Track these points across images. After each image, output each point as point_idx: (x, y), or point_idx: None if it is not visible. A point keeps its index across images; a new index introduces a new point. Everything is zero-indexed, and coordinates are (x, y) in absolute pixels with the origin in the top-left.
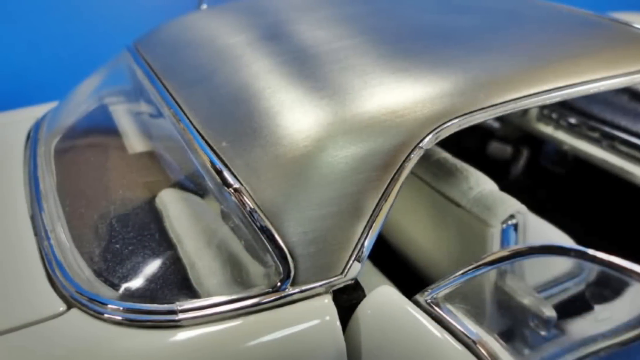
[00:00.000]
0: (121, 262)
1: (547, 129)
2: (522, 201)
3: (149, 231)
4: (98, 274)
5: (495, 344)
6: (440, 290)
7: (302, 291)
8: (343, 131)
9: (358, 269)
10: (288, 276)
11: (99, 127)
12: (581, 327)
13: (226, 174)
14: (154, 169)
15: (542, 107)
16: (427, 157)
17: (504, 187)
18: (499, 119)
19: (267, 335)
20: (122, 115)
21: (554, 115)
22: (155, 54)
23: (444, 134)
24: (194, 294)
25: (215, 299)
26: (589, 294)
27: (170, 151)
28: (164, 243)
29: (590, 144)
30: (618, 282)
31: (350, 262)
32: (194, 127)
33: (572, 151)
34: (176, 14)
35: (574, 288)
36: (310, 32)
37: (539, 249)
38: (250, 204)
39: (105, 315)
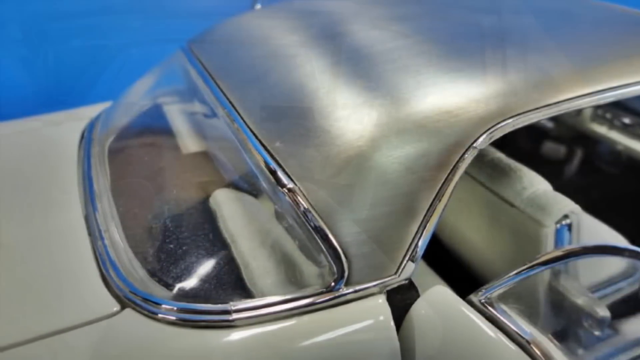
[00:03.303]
0: (175, 262)
1: (601, 129)
2: (576, 201)
3: (202, 231)
4: (152, 274)
5: (549, 344)
6: (494, 290)
7: (356, 291)
8: (397, 131)
9: (412, 269)
10: (342, 276)
11: (153, 127)
12: (635, 327)
13: (280, 174)
14: (208, 168)
15: (596, 107)
16: (480, 157)
17: (557, 187)
18: (553, 119)
19: (321, 335)
20: (175, 115)
21: (608, 115)
22: (209, 54)
23: (498, 134)
24: (247, 294)
25: (269, 299)
26: None
27: (224, 151)
28: (217, 243)
29: None
30: None
31: (404, 262)
32: (248, 127)
33: (626, 151)
34: (230, 14)
35: (628, 288)
36: (364, 32)
37: (593, 249)
38: (304, 204)
39: (159, 315)
